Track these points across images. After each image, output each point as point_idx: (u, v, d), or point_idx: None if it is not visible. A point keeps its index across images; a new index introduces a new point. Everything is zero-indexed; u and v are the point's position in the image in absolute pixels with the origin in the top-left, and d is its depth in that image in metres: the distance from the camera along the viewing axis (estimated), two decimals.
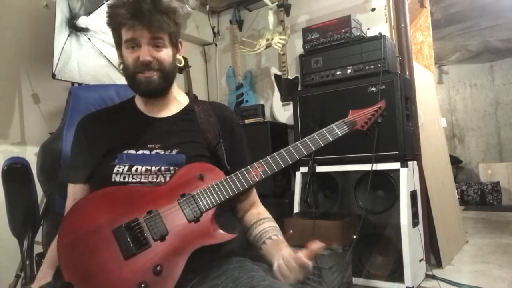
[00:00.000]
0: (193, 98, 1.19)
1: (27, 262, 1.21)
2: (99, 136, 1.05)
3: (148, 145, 1.01)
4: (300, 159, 0.99)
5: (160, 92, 1.06)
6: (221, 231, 0.91)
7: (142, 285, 0.82)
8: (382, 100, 1.10)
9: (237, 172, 0.96)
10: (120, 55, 1.06)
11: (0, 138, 2.04)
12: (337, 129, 1.01)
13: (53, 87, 2.17)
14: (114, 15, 1.00)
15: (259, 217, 1.07)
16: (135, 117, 1.08)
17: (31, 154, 2.08)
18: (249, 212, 1.09)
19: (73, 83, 2.05)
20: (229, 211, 1.06)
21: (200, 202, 0.91)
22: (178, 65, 1.10)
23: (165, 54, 1.02)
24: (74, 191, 1.05)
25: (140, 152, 1.00)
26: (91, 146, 1.05)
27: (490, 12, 4.18)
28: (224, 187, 0.93)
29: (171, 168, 0.98)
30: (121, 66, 1.06)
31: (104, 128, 1.07)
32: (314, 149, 0.98)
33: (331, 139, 1.00)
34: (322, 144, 0.98)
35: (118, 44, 1.05)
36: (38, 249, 1.27)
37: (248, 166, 0.96)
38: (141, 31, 0.98)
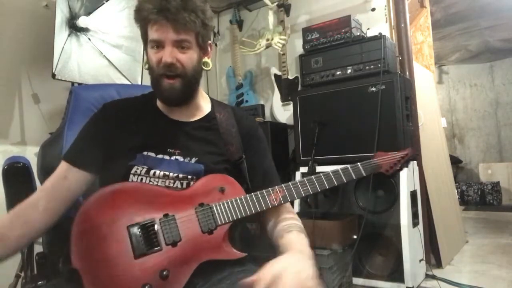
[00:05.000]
0: (218, 102, 1.15)
1: (27, 261, 1.21)
2: (118, 131, 1.02)
3: (168, 150, 1.00)
4: (320, 191, 1.00)
5: (182, 100, 1.03)
6: (232, 249, 0.90)
7: (147, 287, 0.82)
8: (409, 148, 1.13)
9: (258, 192, 0.95)
10: (146, 53, 1.02)
11: (0, 138, 2.04)
12: (362, 169, 1.02)
13: (53, 87, 2.18)
14: (141, 9, 0.96)
15: (281, 216, 1.03)
16: (157, 118, 1.06)
17: (31, 154, 2.08)
18: (273, 213, 1.04)
19: (73, 83, 2.05)
20: (244, 226, 1.06)
21: (217, 215, 0.91)
22: (206, 68, 1.05)
23: (190, 57, 0.97)
24: (68, 171, 0.99)
25: (160, 156, 0.99)
26: (107, 138, 1.01)
27: (490, 12, 4.18)
28: (242, 205, 0.93)
29: (189, 176, 0.98)
30: (147, 66, 1.02)
31: (125, 123, 1.04)
32: (336, 184, 0.99)
33: (354, 178, 1.01)
34: (345, 181, 0.99)
35: (145, 42, 1.01)
36: (38, 248, 1.27)
37: (270, 189, 0.95)
38: (166, 29, 0.94)
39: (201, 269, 0.89)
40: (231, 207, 0.92)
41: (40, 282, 1.07)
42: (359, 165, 1.01)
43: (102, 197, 0.93)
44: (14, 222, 0.94)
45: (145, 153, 0.98)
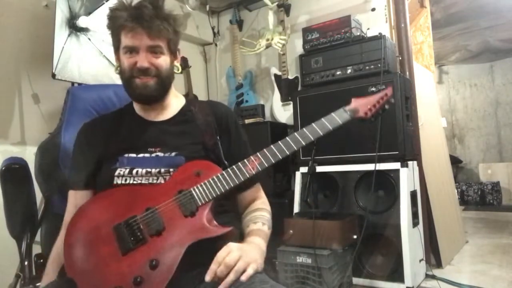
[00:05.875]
0: (192, 98, 1.20)
1: (26, 262, 1.21)
2: (100, 143, 1.07)
3: (149, 149, 1.04)
4: (298, 150, 0.96)
5: (155, 98, 1.07)
6: (216, 224, 0.91)
7: (138, 279, 0.85)
8: (388, 88, 1.05)
9: (233, 166, 0.96)
10: (118, 58, 1.07)
11: (0, 138, 2.04)
12: (337, 117, 0.98)
13: (53, 87, 2.17)
14: (115, 17, 1.02)
15: (251, 208, 1.09)
16: (135, 122, 1.10)
17: (30, 154, 2.07)
18: (247, 206, 1.11)
19: (73, 83, 2.05)
20: (231, 213, 1.07)
21: (196, 197, 0.93)
22: (176, 72, 1.11)
23: (163, 60, 1.03)
24: (76, 197, 1.06)
25: (141, 155, 1.03)
26: (93, 153, 1.06)
27: (490, 12, 4.18)
28: (220, 182, 0.94)
29: (171, 170, 1.00)
30: (118, 70, 1.08)
31: (105, 134, 1.09)
32: (312, 139, 0.96)
33: (331, 128, 0.97)
34: (321, 134, 0.96)
35: (117, 48, 1.06)
36: (37, 249, 1.27)
37: (245, 160, 0.96)
38: (141, 36, 0.99)
39: (200, 262, 0.91)
40: (209, 186, 0.94)
41: (38, 284, 1.08)
42: (333, 114, 0.99)
43: (85, 209, 0.98)
44: (55, 264, 1.02)
45: (126, 155, 1.03)
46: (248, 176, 0.94)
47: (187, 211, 0.91)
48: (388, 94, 1.04)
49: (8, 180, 1.20)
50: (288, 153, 0.95)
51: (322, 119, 0.98)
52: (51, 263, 1.03)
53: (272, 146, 0.96)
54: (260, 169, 0.94)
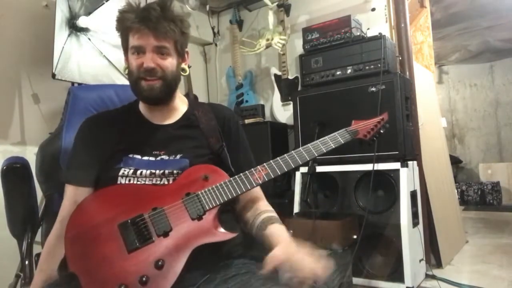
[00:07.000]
0: (193, 99, 1.20)
1: (26, 262, 1.21)
2: (104, 139, 1.07)
3: (153, 152, 1.05)
4: (302, 164, 1.01)
5: (162, 100, 1.08)
6: (223, 230, 0.93)
7: (144, 278, 0.85)
8: (385, 113, 1.14)
9: (241, 174, 0.98)
10: (126, 59, 1.09)
11: (0, 138, 2.04)
12: (340, 137, 1.06)
13: (53, 87, 2.17)
14: (123, 19, 1.04)
15: (260, 209, 1.10)
16: (140, 124, 1.11)
17: (31, 154, 2.08)
18: (250, 207, 1.12)
19: (73, 83, 2.05)
20: (230, 212, 1.08)
21: (204, 201, 0.94)
22: (183, 74, 1.12)
23: (169, 62, 1.04)
24: (75, 193, 1.04)
25: (145, 158, 1.04)
26: (96, 148, 1.06)
27: (490, 12, 4.18)
28: (228, 188, 0.96)
29: (175, 171, 1.01)
30: (126, 71, 1.09)
31: (109, 131, 1.09)
32: (316, 155, 1.02)
33: (333, 146, 1.04)
34: (325, 151, 1.03)
35: (125, 49, 1.08)
36: (37, 249, 1.27)
37: (252, 169, 0.99)
38: (147, 37, 1.01)
39: (203, 264, 0.92)
40: (216, 191, 0.96)
41: None
42: (336, 134, 1.06)
43: (89, 202, 0.97)
44: (49, 259, 1.01)
45: (131, 155, 1.04)
46: (254, 185, 0.97)
47: (194, 214, 0.92)
48: (385, 119, 1.13)
49: (9, 179, 1.20)
50: (293, 166, 1.00)
51: (327, 137, 1.04)
52: (44, 259, 1.02)
53: (278, 158, 1.00)
54: (266, 179, 0.98)
